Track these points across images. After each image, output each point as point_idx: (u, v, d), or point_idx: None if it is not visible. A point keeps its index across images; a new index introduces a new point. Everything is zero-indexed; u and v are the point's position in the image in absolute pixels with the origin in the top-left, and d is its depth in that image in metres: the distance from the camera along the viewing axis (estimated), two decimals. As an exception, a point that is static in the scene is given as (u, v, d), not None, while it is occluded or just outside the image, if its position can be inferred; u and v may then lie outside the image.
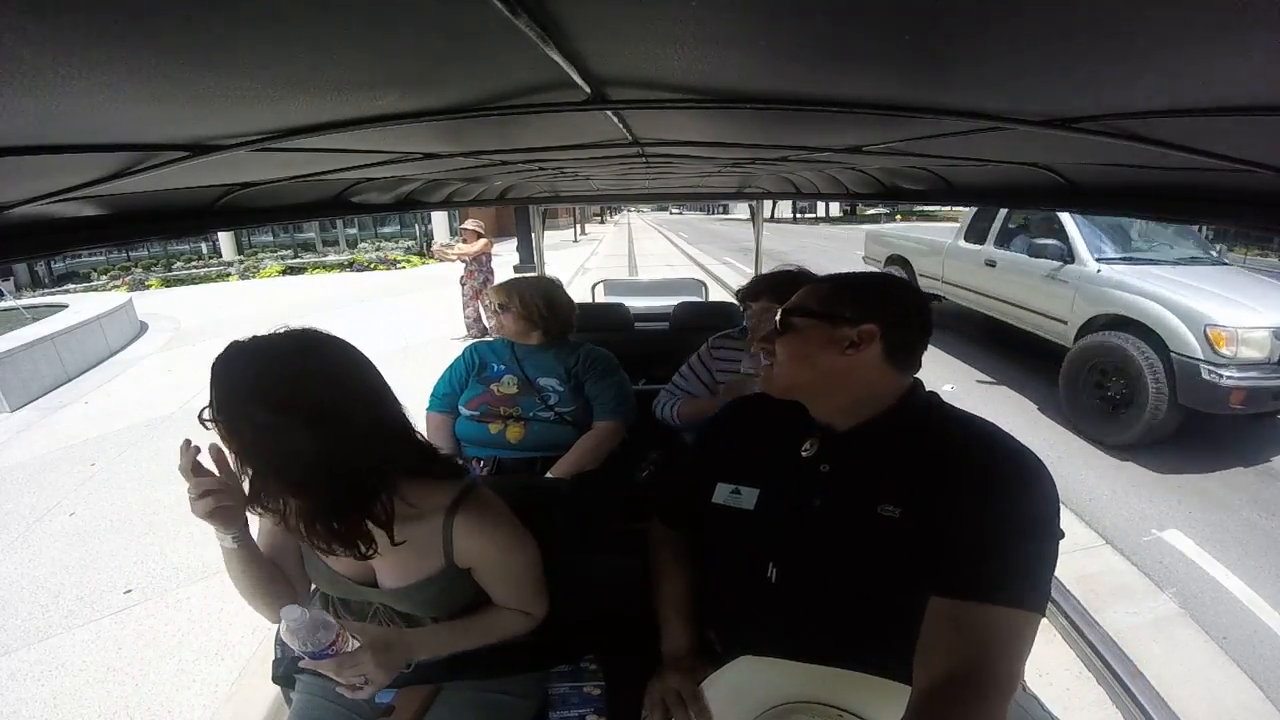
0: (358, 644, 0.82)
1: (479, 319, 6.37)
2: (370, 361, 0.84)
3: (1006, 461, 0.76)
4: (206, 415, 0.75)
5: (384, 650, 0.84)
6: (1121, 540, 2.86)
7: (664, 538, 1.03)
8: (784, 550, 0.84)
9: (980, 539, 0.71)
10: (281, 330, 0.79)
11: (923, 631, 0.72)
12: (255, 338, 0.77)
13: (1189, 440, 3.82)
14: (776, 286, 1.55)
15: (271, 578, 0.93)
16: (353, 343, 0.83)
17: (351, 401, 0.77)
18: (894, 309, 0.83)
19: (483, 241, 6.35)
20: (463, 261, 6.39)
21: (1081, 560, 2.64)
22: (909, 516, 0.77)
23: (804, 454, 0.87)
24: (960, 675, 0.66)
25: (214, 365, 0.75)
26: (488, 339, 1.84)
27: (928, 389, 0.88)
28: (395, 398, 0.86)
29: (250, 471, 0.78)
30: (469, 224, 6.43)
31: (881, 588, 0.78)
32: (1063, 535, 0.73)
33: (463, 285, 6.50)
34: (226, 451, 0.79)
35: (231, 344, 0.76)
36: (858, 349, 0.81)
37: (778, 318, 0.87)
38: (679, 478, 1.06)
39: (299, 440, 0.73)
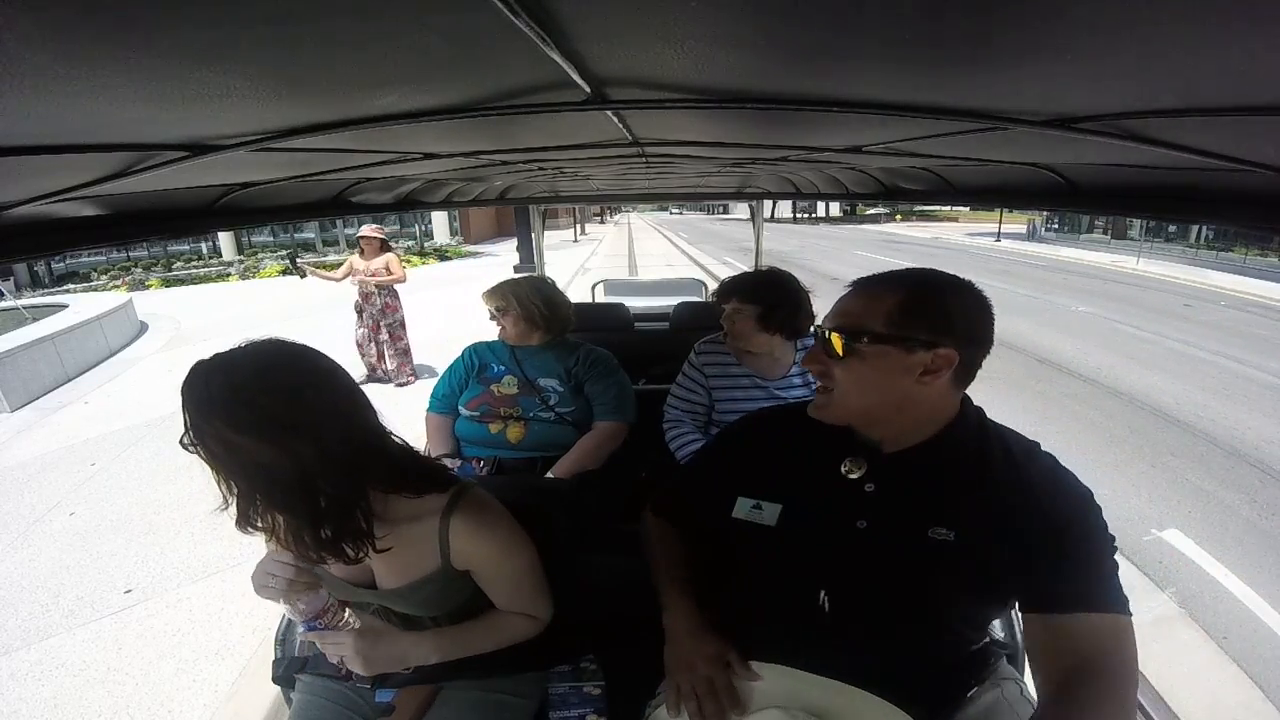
0: (354, 625, 0.85)
1: (382, 357, 4.97)
2: (340, 369, 0.82)
3: (1069, 481, 0.77)
4: (186, 440, 0.74)
5: (368, 637, 0.86)
6: (1121, 540, 2.84)
7: (659, 526, 1.01)
8: (835, 576, 0.80)
9: (1066, 555, 0.73)
10: (244, 344, 0.77)
11: (1030, 647, 0.74)
12: (217, 355, 0.75)
13: (1189, 440, 3.82)
14: (743, 286, 1.59)
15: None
16: (333, 347, 0.82)
17: (316, 414, 0.76)
18: (966, 325, 0.75)
19: (390, 257, 4.63)
20: (354, 283, 4.70)
21: (1081, 560, 2.64)
22: (962, 539, 0.75)
23: (846, 474, 0.81)
24: (1082, 670, 0.69)
25: (181, 388, 0.73)
26: (486, 340, 1.83)
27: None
28: (369, 406, 0.84)
29: (235, 491, 0.77)
30: (368, 229, 4.61)
31: (934, 611, 0.78)
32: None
33: (359, 313, 4.87)
34: (211, 472, 0.77)
35: (195, 364, 0.74)
36: (935, 376, 0.73)
37: (833, 337, 0.77)
38: (692, 481, 1.03)
39: (269, 457, 0.73)
